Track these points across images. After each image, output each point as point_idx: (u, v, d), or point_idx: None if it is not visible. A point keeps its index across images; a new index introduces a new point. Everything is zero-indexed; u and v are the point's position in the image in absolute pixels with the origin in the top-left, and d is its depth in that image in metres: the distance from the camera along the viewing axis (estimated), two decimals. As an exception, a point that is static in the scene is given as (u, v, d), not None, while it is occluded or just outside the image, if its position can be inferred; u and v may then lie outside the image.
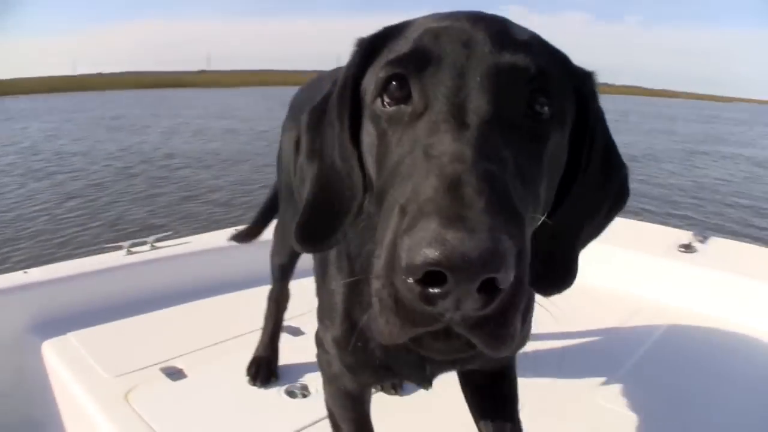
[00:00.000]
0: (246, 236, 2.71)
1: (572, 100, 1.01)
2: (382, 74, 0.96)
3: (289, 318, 2.67)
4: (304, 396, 2.21)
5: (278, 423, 2.03)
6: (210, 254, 3.17)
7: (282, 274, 2.43)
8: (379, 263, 0.76)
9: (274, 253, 2.40)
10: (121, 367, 2.28)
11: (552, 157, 0.96)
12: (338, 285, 1.35)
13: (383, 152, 0.94)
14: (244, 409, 2.12)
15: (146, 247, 3.07)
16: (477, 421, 1.64)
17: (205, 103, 38.78)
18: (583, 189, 1.06)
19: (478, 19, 0.97)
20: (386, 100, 0.95)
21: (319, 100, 1.15)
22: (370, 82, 1.01)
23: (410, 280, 0.68)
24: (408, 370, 1.38)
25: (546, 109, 0.93)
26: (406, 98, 0.93)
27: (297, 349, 2.48)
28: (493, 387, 1.61)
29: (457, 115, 0.85)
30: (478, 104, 0.86)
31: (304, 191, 1.13)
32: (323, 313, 1.44)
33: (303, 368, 2.33)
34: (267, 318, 2.49)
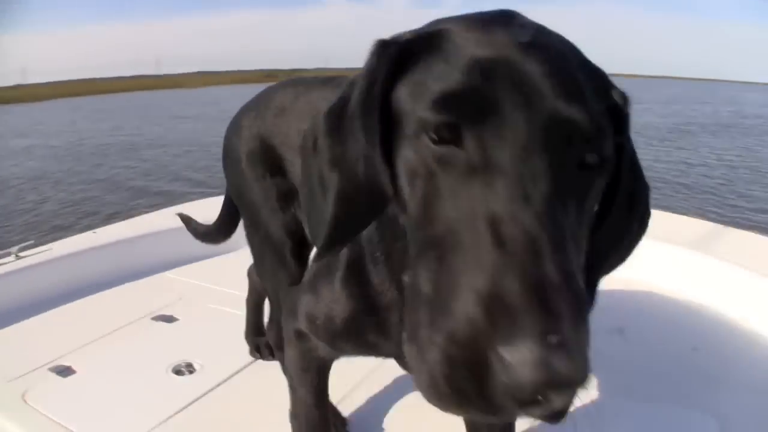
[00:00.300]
0: (215, 237, 2.51)
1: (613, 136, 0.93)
2: (431, 118, 0.85)
3: (162, 307, 2.91)
4: (191, 372, 2.44)
5: (169, 400, 2.23)
6: (75, 258, 3.30)
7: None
8: (452, 351, 0.73)
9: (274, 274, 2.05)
10: (11, 373, 2.40)
11: (593, 204, 0.93)
12: (345, 279, 1.31)
13: (433, 197, 0.86)
14: (136, 391, 2.31)
15: (11, 258, 3.16)
16: None
17: (13, 120, 35.05)
18: (612, 220, 1.02)
19: (526, 45, 0.88)
20: (433, 137, 0.86)
21: (336, 102, 1.03)
22: (407, 103, 0.91)
23: (508, 396, 0.69)
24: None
25: (595, 159, 0.87)
26: (456, 140, 0.84)
27: (173, 334, 2.75)
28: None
29: (520, 185, 0.79)
30: (541, 173, 0.80)
31: (328, 203, 1.01)
32: (318, 305, 1.39)
33: (184, 349, 2.57)
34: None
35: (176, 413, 2.16)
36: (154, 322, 2.87)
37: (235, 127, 2.01)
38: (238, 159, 1.95)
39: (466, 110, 0.83)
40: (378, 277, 1.25)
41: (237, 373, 2.42)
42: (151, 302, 3.03)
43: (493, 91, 0.82)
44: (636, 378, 2.39)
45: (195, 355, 2.52)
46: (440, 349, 0.74)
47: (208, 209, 2.67)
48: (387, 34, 1.00)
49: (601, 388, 2.23)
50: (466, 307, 0.72)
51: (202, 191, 10.11)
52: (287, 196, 1.88)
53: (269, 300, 2.20)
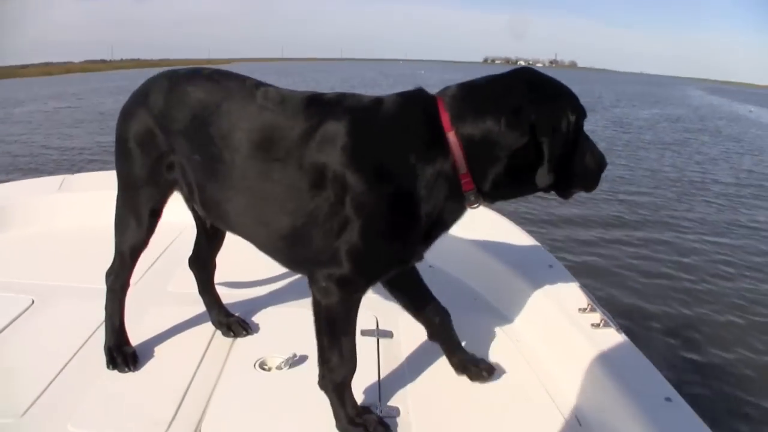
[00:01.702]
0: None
1: None
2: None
3: None
4: None
5: None
6: None
7: (133, 258, 2.43)
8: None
9: (128, 234, 2.37)
10: None
11: None
12: (393, 223, 1.90)
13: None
14: None
15: None
16: (403, 303, 2.39)
17: None
18: None
19: None
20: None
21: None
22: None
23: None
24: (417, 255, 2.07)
25: None
26: None
27: None
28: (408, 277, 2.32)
29: None
30: None
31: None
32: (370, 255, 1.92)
33: None
34: (112, 307, 2.46)
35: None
36: None
37: (127, 113, 2.29)
38: (128, 138, 2.26)
39: None
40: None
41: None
42: None
43: None
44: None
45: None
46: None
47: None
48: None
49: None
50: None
51: None
52: (164, 167, 2.24)
53: (115, 252, 2.44)
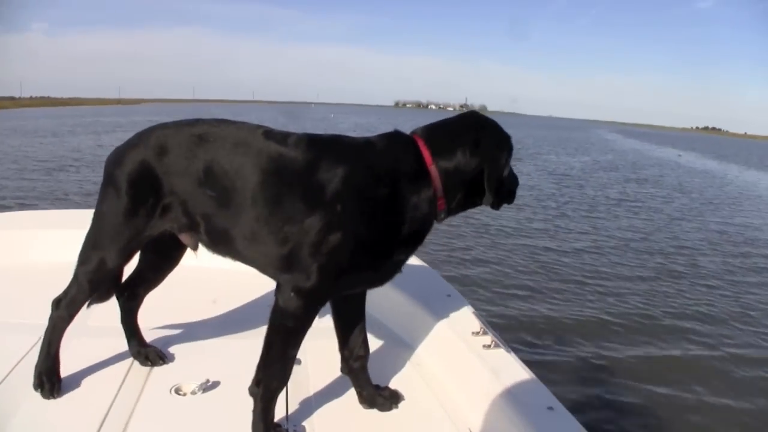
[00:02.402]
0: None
1: None
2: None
3: None
4: None
5: None
6: None
7: (93, 291, 2.54)
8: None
9: (96, 267, 2.47)
10: None
11: None
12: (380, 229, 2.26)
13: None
14: None
15: None
16: (340, 326, 2.63)
17: None
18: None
19: None
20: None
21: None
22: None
23: None
24: (390, 273, 2.43)
25: None
26: None
27: None
28: (357, 303, 2.62)
29: None
30: None
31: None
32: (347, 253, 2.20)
33: None
34: (53, 334, 2.54)
35: None
36: None
37: (122, 158, 2.44)
38: (121, 182, 2.40)
39: None
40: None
41: None
42: None
43: None
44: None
45: None
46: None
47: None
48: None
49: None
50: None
51: None
52: (159, 210, 2.40)
53: (74, 282, 2.52)
